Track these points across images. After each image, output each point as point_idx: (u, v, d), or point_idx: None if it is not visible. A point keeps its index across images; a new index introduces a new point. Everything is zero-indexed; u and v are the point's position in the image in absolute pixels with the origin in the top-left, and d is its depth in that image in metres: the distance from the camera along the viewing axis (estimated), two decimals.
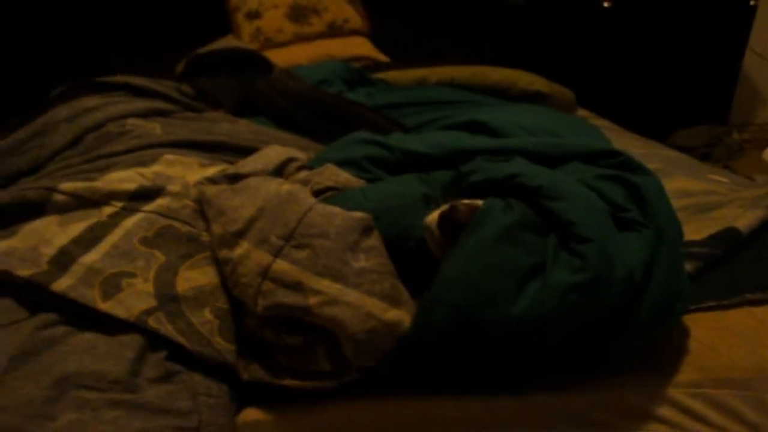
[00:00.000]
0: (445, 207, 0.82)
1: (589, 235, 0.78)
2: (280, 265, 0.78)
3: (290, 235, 0.79)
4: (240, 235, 0.83)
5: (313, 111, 1.40)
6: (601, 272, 0.76)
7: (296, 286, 0.76)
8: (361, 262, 0.78)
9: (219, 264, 0.85)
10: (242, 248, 0.81)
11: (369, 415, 0.83)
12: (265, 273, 0.78)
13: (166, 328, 0.79)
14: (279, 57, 1.92)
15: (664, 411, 0.86)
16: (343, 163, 0.99)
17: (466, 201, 0.82)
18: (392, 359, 0.77)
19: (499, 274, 0.76)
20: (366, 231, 0.81)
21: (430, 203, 0.87)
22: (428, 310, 0.75)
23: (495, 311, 0.74)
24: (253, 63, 1.77)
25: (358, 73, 1.66)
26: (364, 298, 0.76)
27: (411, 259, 0.83)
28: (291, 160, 1.01)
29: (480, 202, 0.82)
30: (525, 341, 0.77)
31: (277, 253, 0.79)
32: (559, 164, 0.98)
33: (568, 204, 0.81)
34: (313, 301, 0.76)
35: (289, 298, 0.76)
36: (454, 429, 0.85)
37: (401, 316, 0.76)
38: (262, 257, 0.79)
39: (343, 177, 0.96)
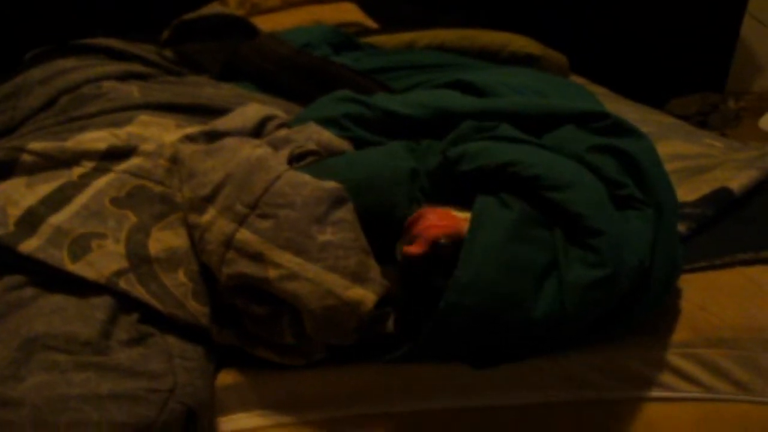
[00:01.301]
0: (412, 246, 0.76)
1: (601, 226, 0.75)
2: (243, 235, 0.75)
3: (255, 204, 0.76)
4: (208, 200, 0.80)
5: (298, 74, 1.36)
6: (617, 265, 0.74)
7: (257, 258, 0.74)
8: (326, 236, 0.75)
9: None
10: (209, 214, 0.79)
11: (351, 381, 0.82)
12: (228, 242, 0.75)
13: (138, 290, 0.77)
14: (266, 23, 1.87)
15: (655, 372, 0.85)
16: (323, 122, 0.95)
17: (447, 231, 0.76)
18: (403, 358, 0.75)
19: (516, 274, 0.73)
20: (336, 203, 0.78)
21: (416, 181, 0.84)
22: (445, 315, 0.72)
23: (516, 313, 0.72)
24: (239, 29, 1.72)
25: (344, 37, 1.62)
26: (324, 274, 0.73)
27: (392, 235, 0.80)
28: (270, 118, 0.98)
29: (463, 225, 0.77)
30: (539, 339, 0.75)
31: (241, 222, 0.76)
32: (549, 128, 0.94)
33: (571, 194, 0.77)
34: (272, 274, 0.73)
35: (250, 269, 0.74)
36: (441, 394, 0.83)
37: (364, 294, 0.73)
38: (226, 225, 0.76)
39: (326, 136, 0.92)
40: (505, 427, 0.84)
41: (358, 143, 0.95)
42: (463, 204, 0.81)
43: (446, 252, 0.75)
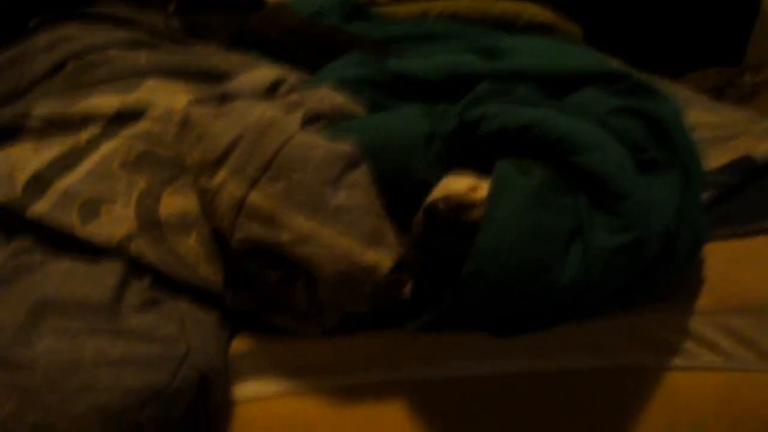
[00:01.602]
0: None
1: (626, 190, 0.73)
2: (255, 198, 0.73)
3: (267, 166, 0.74)
4: (218, 163, 0.78)
5: (307, 43, 1.33)
6: (642, 229, 0.72)
7: (269, 221, 0.72)
8: (340, 199, 0.73)
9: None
10: (220, 177, 0.77)
11: (365, 348, 0.81)
12: (240, 206, 0.74)
13: (149, 255, 0.75)
14: None
15: (678, 338, 0.83)
16: (336, 85, 0.92)
17: (446, 193, 0.75)
18: (424, 327, 0.74)
19: (540, 241, 0.71)
20: (350, 165, 0.75)
21: (432, 145, 0.81)
22: (467, 284, 0.70)
23: (541, 281, 0.70)
24: (245, 1, 1.69)
25: (355, 7, 1.59)
26: (338, 238, 0.71)
27: (408, 198, 0.78)
28: (282, 80, 0.95)
29: (475, 190, 0.75)
30: (563, 306, 0.74)
31: (252, 185, 0.74)
32: (568, 89, 0.91)
33: (595, 157, 0.75)
34: (285, 237, 0.71)
35: (262, 233, 0.72)
36: (456, 361, 0.82)
37: (379, 259, 0.72)
38: (237, 188, 0.74)
39: (338, 99, 0.90)
40: (522, 395, 0.83)
41: (372, 107, 0.92)
42: (480, 170, 0.79)
43: (447, 217, 0.73)
